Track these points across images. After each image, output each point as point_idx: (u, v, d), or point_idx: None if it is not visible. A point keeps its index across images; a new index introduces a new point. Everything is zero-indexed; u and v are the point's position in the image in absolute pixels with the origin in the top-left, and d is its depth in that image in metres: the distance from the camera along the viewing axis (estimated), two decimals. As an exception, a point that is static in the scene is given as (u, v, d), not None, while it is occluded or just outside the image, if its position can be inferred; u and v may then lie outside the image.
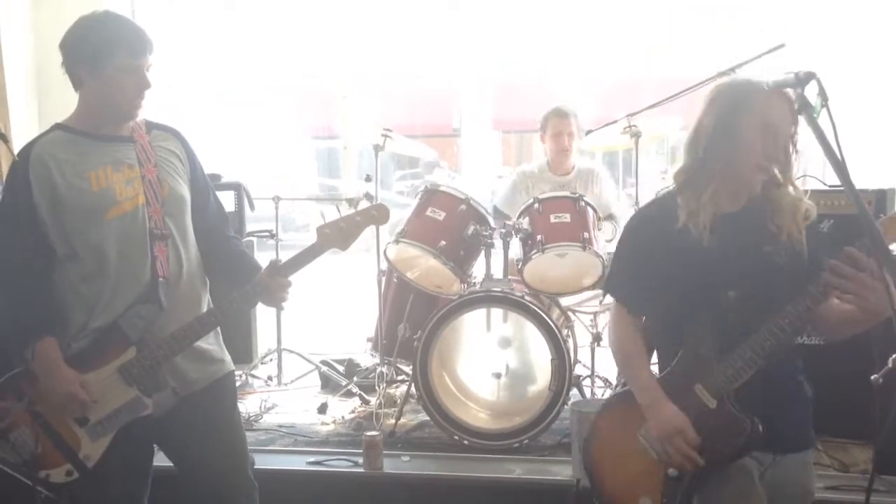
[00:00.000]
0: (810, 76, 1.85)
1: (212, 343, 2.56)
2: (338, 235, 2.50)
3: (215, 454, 2.55)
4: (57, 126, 2.51)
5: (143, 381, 2.38)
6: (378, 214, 2.59)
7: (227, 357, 2.64)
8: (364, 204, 5.04)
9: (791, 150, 2.11)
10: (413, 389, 4.02)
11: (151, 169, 2.43)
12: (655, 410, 2.16)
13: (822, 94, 1.84)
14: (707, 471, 2.10)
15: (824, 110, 1.85)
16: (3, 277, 2.40)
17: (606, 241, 4.35)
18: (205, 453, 2.54)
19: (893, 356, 1.76)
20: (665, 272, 2.18)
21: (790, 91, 1.98)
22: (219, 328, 2.58)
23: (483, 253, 4.12)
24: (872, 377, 1.81)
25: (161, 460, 2.65)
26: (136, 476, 2.53)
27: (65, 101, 5.81)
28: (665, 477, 2.14)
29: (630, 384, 2.26)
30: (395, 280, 4.49)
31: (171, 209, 2.45)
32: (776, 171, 2.10)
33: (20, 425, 2.37)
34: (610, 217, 4.66)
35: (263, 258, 2.67)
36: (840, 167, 1.74)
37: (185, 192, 2.51)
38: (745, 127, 2.07)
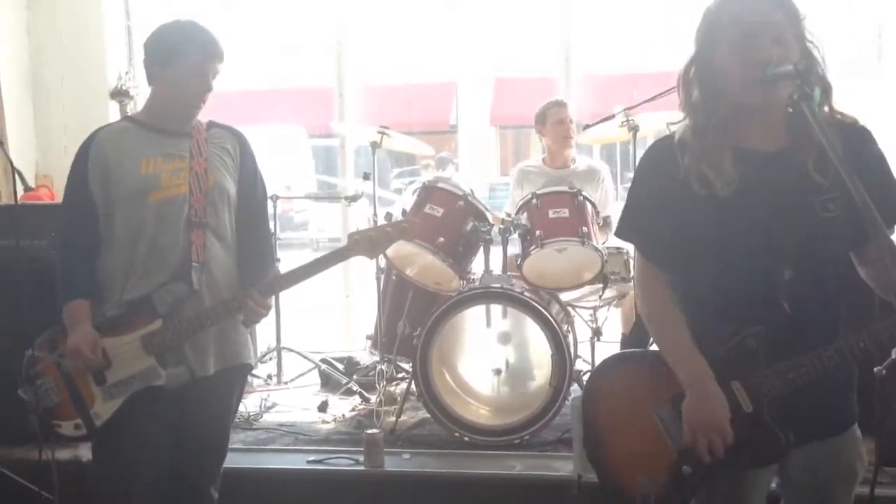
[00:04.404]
0: (810, 68, 1.81)
1: (240, 333, 2.71)
2: (367, 244, 2.65)
3: (198, 444, 2.67)
4: (126, 118, 2.91)
5: (161, 353, 2.53)
6: (409, 228, 2.73)
7: (248, 352, 2.78)
8: (364, 202, 5.06)
9: (790, 39, 1.82)
10: (413, 387, 4.02)
11: (201, 162, 2.61)
12: (700, 393, 1.85)
13: (822, 82, 1.82)
14: (718, 471, 1.89)
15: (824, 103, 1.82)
16: (61, 243, 2.68)
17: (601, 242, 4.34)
18: (191, 437, 2.65)
19: (897, 348, 1.74)
20: (686, 230, 1.90)
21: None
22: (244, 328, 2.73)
23: (482, 249, 4.11)
24: (876, 369, 1.80)
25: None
26: (152, 445, 2.58)
27: (59, 100, 5.80)
28: (671, 467, 1.92)
29: (666, 353, 1.94)
30: (394, 277, 4.47)
31: (212, 200, 2.61)
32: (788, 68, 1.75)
33: (47, 375, 2.58)
34: (605, 221, 4.60)
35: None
36: (841, 159, 1.72)
37: (231, 187, 2.67)
38: (718, 48, 1.86)
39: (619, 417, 2.01)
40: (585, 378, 4.32)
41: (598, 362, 4.35)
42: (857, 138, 1.86)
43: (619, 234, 2.11)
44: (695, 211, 1.87)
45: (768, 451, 1.86)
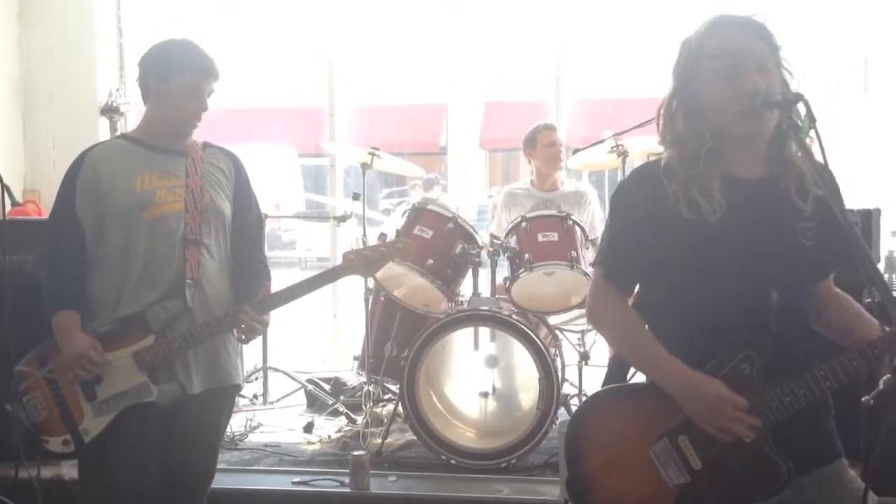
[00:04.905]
0: (798, 98, 1.83)
1: (230, 353, 2.71)
2: (361, 263, 2.68)
3: (185, 463, 2.66)
4: (120, 135, 2.90)
5: (153, 370, 2.53)
6: (403, 248, 2.75)
7: (238, 373, 2.77)
8: (353, 222, 5.07)
9: (772, 69, 1.84)
10: (400, 408, 4.00)
11: (196, 180, 2.62)
12: (688, 389, 1.81)
13: (810, 115, 1.83)
14: None
15: (812, 132, 1.84)
16: (47, 260, 2.67)
17: (589, 264, 4.34)
18: (179, 457, 2.63)
19: (885, 377, 1.75)
20: (671, 255, 1.88)
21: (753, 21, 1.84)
22: (235, 347, 2.73)
23: (471, 271, 4.12)
24: (863, 398, 1.80)
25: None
26: (140, 464, 2.54)
27: (50, 114, 5.79)
28: None
29: (643, 367, 1.92)
30: (383, 298, 4.46)
31: (207, 218, 2.62)
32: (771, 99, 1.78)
33: (36, 390, 2.56)
34: (593, 245, 4.58)
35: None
36: (830, 188, 1.73)
37: (225, 206, 2.68)
38: (703, 81, 1.86)
39: (609, 458, 1.92)
40: (573, 406, 4.34)
41: (585, 386, 4.38)
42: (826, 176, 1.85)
43: (600, 260, 2.05)
44: (683, 236, 1.86)
45: (771, 481, 1.80)
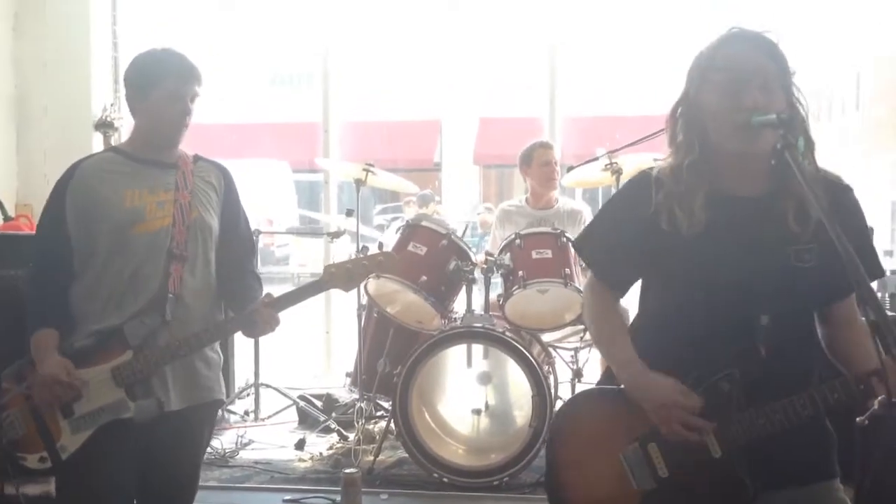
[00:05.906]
0: (793, 119, 1.82)
1: (210, 369, 2.67)
2: (343, 276, 2.63)
3: (166, 480, 2.61)
4: (110, 148, 2.89)
5: (131, 385, 2.49)
6: (385, 261, 2.71)
7: (219, 388, 2.73)
8: (347, 238, 5.06)
9: (777, 90, 1.83)
10: (392, 425, 3.98)
11: (186, 195, 2.59)
12: (641, 386, 1.87)
13: (807, 138, 1.83)
14: None
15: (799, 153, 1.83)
16: (32, 273, 2.62)
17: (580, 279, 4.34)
18: (159, 474, 2.59)
19: (879, 398, 1.74)
20: (652, 263, 1.93)
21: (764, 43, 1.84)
22: (216, 362, 2.70)
23: (464, 288, 4.11)
24: (858, 419, 1.79)
25: None
26: (118, 481, 2.50)
27: (44, 129, 5.77)
28: None
29: (609, 360, 1.98)
30: (376, 315, 4.46)
31: (194, 234, 2.59)
32: (772, 117, 1.75)
33: (13, 407, 2.51)
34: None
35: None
36: (825, 210, 1.72)
37: (214, 222, 2.65)
38: (706, 90, 1.87)
39: (582, 458, 1.97)
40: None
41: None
42: (840, 195, 1.87)
43: (577, 247, 2.20)
44: (660, 247, 1.89)
45: (734, 499, 1.81)
